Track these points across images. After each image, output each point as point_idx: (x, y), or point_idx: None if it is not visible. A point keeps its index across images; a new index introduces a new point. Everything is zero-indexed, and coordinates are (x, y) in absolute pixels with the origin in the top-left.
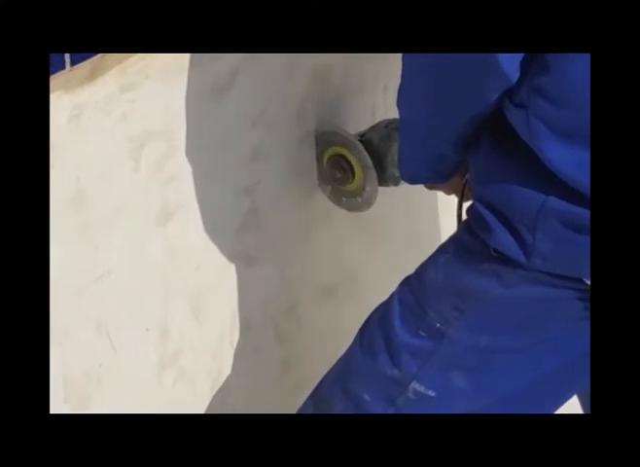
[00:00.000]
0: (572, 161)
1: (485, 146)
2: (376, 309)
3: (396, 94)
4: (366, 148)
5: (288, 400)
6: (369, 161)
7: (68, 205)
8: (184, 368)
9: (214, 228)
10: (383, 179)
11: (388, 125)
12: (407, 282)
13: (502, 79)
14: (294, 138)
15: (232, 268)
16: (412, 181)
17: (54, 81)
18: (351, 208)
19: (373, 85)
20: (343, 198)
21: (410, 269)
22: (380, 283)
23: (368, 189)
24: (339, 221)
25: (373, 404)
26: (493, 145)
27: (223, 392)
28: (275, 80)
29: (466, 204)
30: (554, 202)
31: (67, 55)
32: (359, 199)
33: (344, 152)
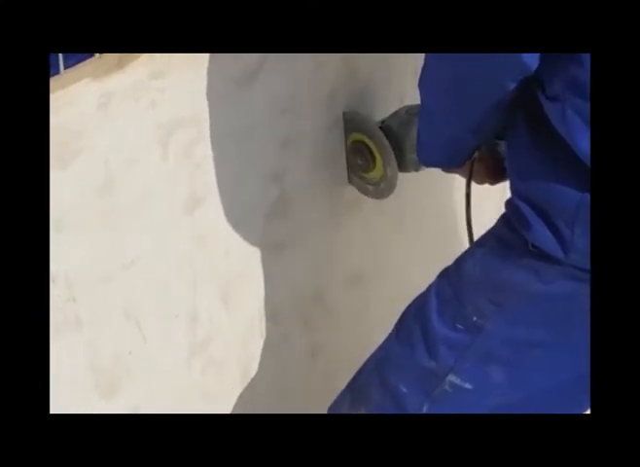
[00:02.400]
0: None
1: (526, 141)
2: (414, 301)
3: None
4: (385, 134)
5: (316, 386)
6: (388, 147)
7: (96, 192)
8: (213, 355)
9: (242, 215)
10: (403, 165)
11: (408, 110)
12: (445, 274)
13: (520, 68)
14: (323, 125)
15: (261, 255)
16: (429, 165)
17: (82, 69)
18: (375, 195)
19: (403, 69)
20: (367, 186)
21: (438, 257)
22: (408, 271)
23: (389, 175)
24: (368, 208)
25: (410, 395)
26: (534, 140)
27: (251, 378)
28: (304, 67)
29: (474, 185)
30: None
31: None
32: (381, 186)
33: (364, 138)
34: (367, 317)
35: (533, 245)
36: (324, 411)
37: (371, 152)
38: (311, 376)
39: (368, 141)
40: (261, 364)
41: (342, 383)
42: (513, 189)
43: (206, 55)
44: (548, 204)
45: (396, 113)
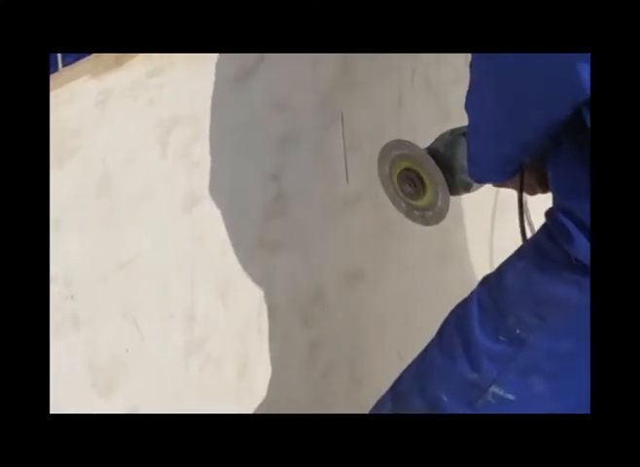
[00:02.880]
0: None
1: (567, 156)
2: (455, 308)
3: (429, 85)
4: (433, 158)
5: (315, 385)
6: (438, 171)
7: (94, 190)
8: (210, 353)
9: (240, 213)
10: (454, 186)
11: (452, 132)
12: (486, 282)
13: (580, 90)
14: (320, 124)
15: (259, 253)
16: (483, 181)
17: (81, 66)
18: (425, 222)
19: (401, 68)
20: (416, 213)
21: (437, 256)
22: (407, 270)
23: (440, 199)
24: (366, 207)
25: (452, 405)
26: (575, 155)
27: (249, 377)
28: (301, 65)
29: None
30: None
31: None
32: (431, 213)
33: (413, 165)
34: (366, 315)
35: (576, 259)
36: (322, 408)
37: (420, 178)
38: (310, 373)
39: (416, 167)
40: (259, 362)
41: (341, 381)
42: (555, 203)
43: (205, 53)
44: (589, 219)
45: (441, 136)
